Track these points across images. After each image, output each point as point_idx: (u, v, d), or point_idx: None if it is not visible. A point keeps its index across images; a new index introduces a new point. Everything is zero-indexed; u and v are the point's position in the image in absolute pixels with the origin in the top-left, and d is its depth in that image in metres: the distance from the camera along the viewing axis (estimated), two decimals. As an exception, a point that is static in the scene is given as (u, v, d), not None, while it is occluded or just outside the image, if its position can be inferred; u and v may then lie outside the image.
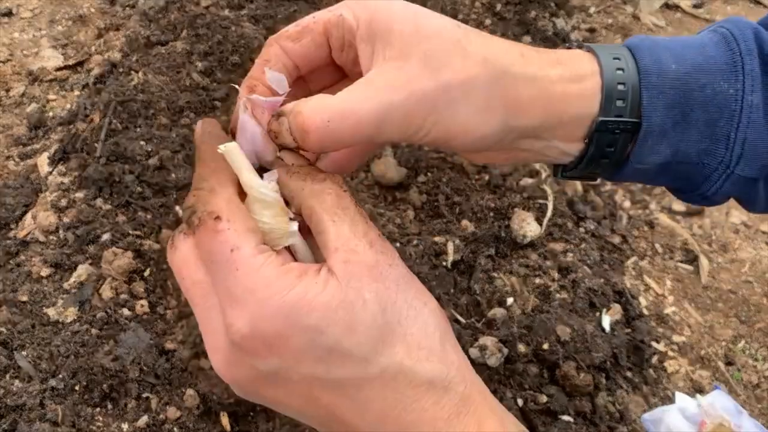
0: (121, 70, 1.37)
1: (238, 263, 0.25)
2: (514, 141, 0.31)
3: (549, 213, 1.13)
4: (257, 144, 0.30)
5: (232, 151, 0.29)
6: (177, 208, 1.10)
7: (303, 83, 0.33)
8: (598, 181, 0.98)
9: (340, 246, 0.25)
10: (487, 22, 1.66)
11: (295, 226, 0.27)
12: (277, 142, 0.30)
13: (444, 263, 1.01)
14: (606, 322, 0.98)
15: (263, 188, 0.28)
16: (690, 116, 0.30)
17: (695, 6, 2.00)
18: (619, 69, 0.30)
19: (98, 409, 0.82)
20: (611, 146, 0.31)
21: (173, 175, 1.13)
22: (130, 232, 1.06)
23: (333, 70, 0.32)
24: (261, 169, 0.30)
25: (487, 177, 1.19)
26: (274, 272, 0.25)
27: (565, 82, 0.29)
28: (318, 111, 0.27)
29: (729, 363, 1.03)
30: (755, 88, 0.30)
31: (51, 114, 1.36)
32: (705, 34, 0.34)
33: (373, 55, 0.28)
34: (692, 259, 1.19)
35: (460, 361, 0.28)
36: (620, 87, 0.29)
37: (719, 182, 0.32)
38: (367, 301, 0.25)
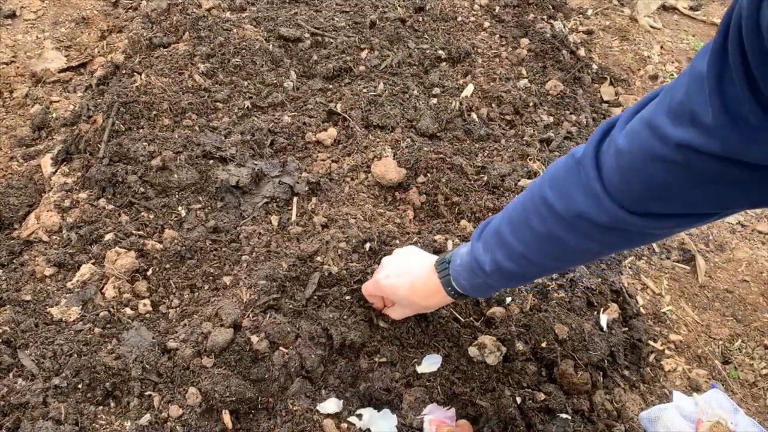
0: (123, 71, 1.38)
1: None
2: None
3: (547, 213, 1.14)
4: None
5: None
6: (179, 208, 1.11)
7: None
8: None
9: None
10: (486, 24, 1.67)
11: None
12: None
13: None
14: (604, 321, 0.99)
15: None
16: (478, 289, 0.80)
17: (692, 8, 2.01)
18: (448, 287, 0.82)
19: (101, 407, 0.83)
20: (461, 298, 0.84)
21: (176, 176, 1.14)
22: (133, 232, 1.07)
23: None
24: None
25: (485, 178, 1.20)
26: None
27: (439, 294, 0.84)
28: (391, 314, 0.98)
29: (726, 362, 1.04)
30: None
31: (54, 115, 1.37)
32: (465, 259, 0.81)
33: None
34: (689, 259, 1.20)
35: None
36: (449, 289, 0.82)
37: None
38: None
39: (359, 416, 0.85)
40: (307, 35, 1.52)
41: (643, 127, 0.51)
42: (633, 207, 0.55)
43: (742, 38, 0.39)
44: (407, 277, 0.83)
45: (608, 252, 0.67)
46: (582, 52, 1.67)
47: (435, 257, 0.84)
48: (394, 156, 1.22)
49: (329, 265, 0.99)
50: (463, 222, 1.12)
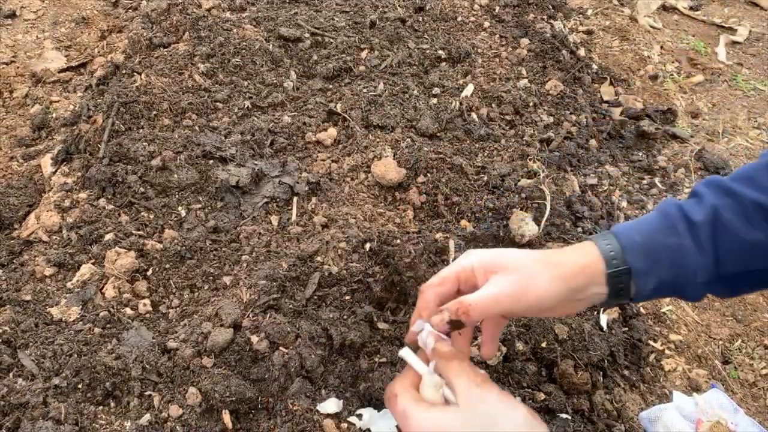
0: (123, 71, 1.38)
1: (408, 415, 0.49)
2: (573, 295, 0.54)
3: (547, 213, 1.14)
4: (428, 346, 0.54)
5: (406, 353, 0.53)
6: (179, 208, 1.11)
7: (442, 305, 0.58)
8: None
9: (463, 393, 0.49)
10: (486, 24, 1.67)
11: (445, 390, 0.51)
12: (445, 328, 0.54)
13: (444, 261, 1.02)
14: (604, 320, 0.99)
15: (428, 373, 0.52)
16: (659, 259, 0.54)
17: (692, 8, 2.01)
18: (607, 244, 0.55)
19: (101, 407, 0.83)
20: (621, 284, 0.54)
21: (176, 176, 1.14)
22: (133, 232, 1.07)
23: (456, 293, 0.57)
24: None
25: (485, 178, 1.20)
26: (424, 408, 0.49)
27: (585, 259, 0.55)
28: (472, 298, 0.54)
29: (726, 362, 1.04)
30: (685, 236, 0.53)
31: (54, 115, 1.37)
32: (652, 213, 0.58)
33: (486, 276, 0.55)
34: (689, 259, 1.20)
35: None
36: (611, 253, 0.54)
37: (695, 290, 0.54)
38: (476, 415, 0.48)
39: (359, 416, 0.85)
40: (307, 35, 1.52)
41: None
42: None
43: None
44: (533, 251, 0.57)
45: None
46: (582, 52, 1.67)
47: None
48: (394, 156, 1.22)
49: (329, 265, 0.99)
50: (463, 222, 1.12)
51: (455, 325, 0.52)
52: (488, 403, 0.48)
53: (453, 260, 1.03)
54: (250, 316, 0.92)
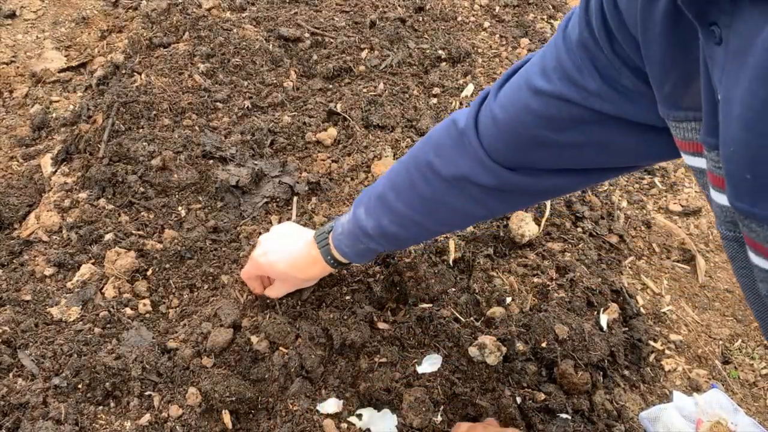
0: (123, 71, 1.38)
1: None
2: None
3: (547, 213, 1.14)
4: None
5: None
6: (179, 208, 1.11)
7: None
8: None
9: None
10: (486, 24, 1.67)
11: None
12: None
13: (444, 261, 1.02)
14: (604, 320, 0.99)
15: None
16: (356, 254, 0.83)
17: (693, 8, 2.00)
18: (330, 258, 0.86)
19: (101, 407, 0.83)
20: (338, 268, 0.92)
21: (176, 176, 1.14)
22: (133, 232, 1.07)
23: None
24: None
25: (486, 177, 1.20)
26: None
27: (318, 264, 0.89)
28: (271, 294, 0.94)
29: (726, 362, 1.04)
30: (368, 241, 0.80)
31: (54, 115, 1.37)
32: (349, 226, 0.83)
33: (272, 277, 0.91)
34: (689, 259, 1.20)
35: None
36: (331, 261, 0.87)
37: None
38: None
39: (359, 416, 0.85)
40: (307, 35, 1.52)
41: (517, 89, 0.57)
42: (515, 165, 0.62)
43: (604, 12, 0.46)
44: (285, 252, 0.85)
45: (497, 214, 0.75)
46: (582, 52, 1.67)
47: (313, 231, 0.87)
48: (394, 156, 1.22)
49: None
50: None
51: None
52: None
53: (452, 260, 1.04)
54: (250, 316, 0.92)
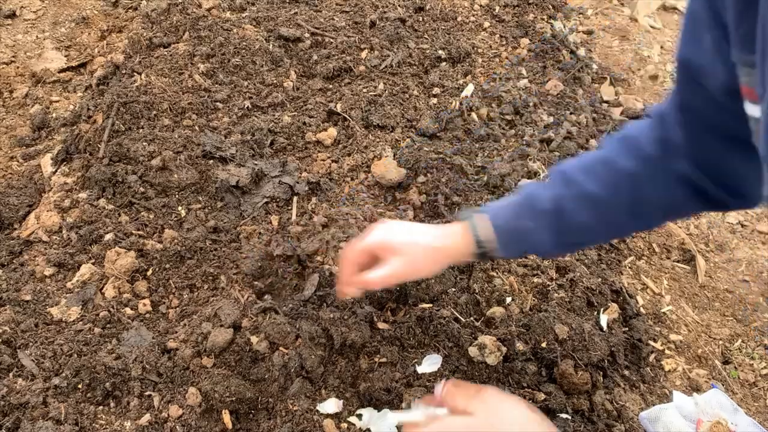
0: (123, 71, 1.38)
1: None
2: (446, 266, 0.73)
3: (547, 213, 1.14)
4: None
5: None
6: (179, 208, 1.11)
7: (360, 267, 0.73)
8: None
9: (462, 408, 0.59)
10: (486, 24, 1.67)
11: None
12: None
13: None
14: (604, 320, 0.99)
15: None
16: (515, 238, 0.68)
17: (693, 8, 2.01)
18: (474, 230, 0.69)
19: (101, 407, 0.83)
20: (486, 255, 0.70)
21: (176, 176, 1.14)
22: (133, 232, 1.07)
23: (372, 258, 0.72)
24: None
25: (485, 178, 1.20)
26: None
27: (458, 243, 0.69)
28: (372, 277, 0.70)
29: (726, 362, 1.04)
30: (536, 220, 0.66)
31: (54, 115, 1.37)
32: (516, 198, 0.70)
33: (386, 256, 0.69)
34: (689, 259, 1.20)
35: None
36: (479, 239, 0.68)
37: (541, 254, 0.82)
38: (479, 418, 0.56)
39: (359, 416, 0.85)
40: (307, 35, 1.52)
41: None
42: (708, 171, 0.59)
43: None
44: (422, 228, 0.72)
45: (680, 216, 0.71)
46: (582, 52, 1.67)
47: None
48: (394, 156, 1.22)
49: (329, 265, 0.99)
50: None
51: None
52: (489, 405, 0.56)
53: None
54: (250, 316, 0.92)
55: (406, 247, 0.68)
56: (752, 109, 0.45)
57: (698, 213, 0.74)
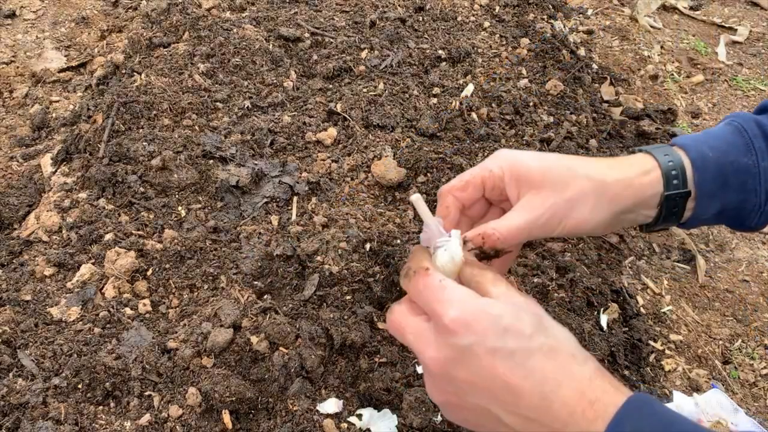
0: (123, 71, 1.38)
1: (446, 286, 0.40)
2: (617, 218, 0.48)
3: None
4: (456, 256, 0.46)
5: (417, 201, 0.46)
6: (179, 208, 1.11)
7: (465, 211, 0.50)
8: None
9: (503, 295, 0.41)
10: (486, 24, 1.67)
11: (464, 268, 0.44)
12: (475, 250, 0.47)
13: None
14: (604, 320, 0.99)
15: (444, 238, 0.45)
16: (728, 182, 0.47)
17: (692, 8, 2.01)
18: (670, 161, 0.47)
19: (101, 407, 0.83)
20: (675, 208, 0.48)
21: (176, 176, 1.14)
22: (133, 232, 1.07)
23: (484, 203, 0.50)
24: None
25: (486, 177, 1.20)
26: (468, 292, 0.40)
27: (640, 176, 0.47)
28: (500, 228, 0.45)
29: (726, 362, 1.04)
30: (764, 157, 0.47)
31: (54, 115, 1.37)
32: (722, 127, 0.52)
33: (519, 191, 0.46)
34: (689, 259, 1.20)
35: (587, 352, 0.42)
36: (673, 172, 0.47)
37: (757, 218, 0.50)
38: (523, 308, 0.40)
39: (359, 416, 0.85)
40: (307, 35, 1.52)
41: None
42: None
43: None
44: (572, 156, 0.49)
45: None
46: (582, 52, 1.67)
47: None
48: (394, 156, 1.22)
49: (329, 265, 0.99)
50: None
51: (483, 256, 0.44)
52: (536, 308, 0.40)
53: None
54: (250, 316, 0.92)
55: (553, 177, 0.44)
56: None
57: None
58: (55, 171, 1.20)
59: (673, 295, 1.13)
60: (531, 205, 0.44)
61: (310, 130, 1.30)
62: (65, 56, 1.54)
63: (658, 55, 1.75)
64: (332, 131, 1.30)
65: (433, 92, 1.41)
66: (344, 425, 0.83)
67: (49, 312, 0.94)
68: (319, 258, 1.00)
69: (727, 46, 1.83)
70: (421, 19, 1.63)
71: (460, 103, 1.37)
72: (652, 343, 1.03)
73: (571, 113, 1.43)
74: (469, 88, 1.42)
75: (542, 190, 0.44)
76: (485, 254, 0.44)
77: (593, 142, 1.41)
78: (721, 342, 1.07)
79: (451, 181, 0.49)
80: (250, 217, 1.12)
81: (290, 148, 1.27)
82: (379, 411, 0.85)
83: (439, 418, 0.84)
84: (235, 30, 1.48)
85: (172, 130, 1.23)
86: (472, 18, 1.68)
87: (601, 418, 0.35)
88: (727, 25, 1.91)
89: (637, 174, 0.46)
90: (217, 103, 1.33)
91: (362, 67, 1.44)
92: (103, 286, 0.99)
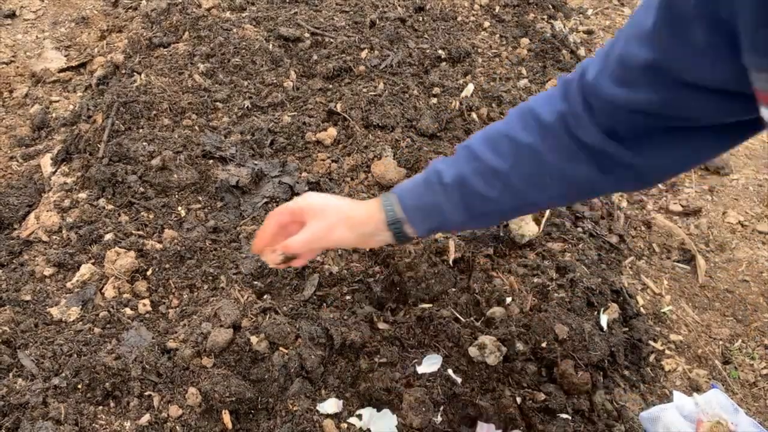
0: (123, 71, 1.38)
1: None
2: (367, 237, 0.74)
3: (547, 213, 1.14)
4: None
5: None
6: (179, 208, 1.11)
7: (284, 229, 0.75)
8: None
9: None
10: (486, 24, 1.67)
11: None
12: (280, 260, 0.76)
13: (445, 261, 1.02)
14: (604, 320, 0.99)
15: None
16: (425, 215, 0.70)
17: (693, 8, 2.01)
18: (389, 205, 0.72)
19: (101, 407, 0.83)
20: (399, 232, 0.72)
21: (175, 176, 1.14)
22: (133, 232, 1.07)
23: (298, 224, 0.74)
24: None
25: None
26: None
27: (374, 212, 0.72)
28: (292, 241, 0.72)
29: (726, 362, 1.04)
30: (447, 198, 0.69)
31: (54, 115, 1.37)
32: (422, 175, 0.72)
33: (307, 219, 0.73)
34: (689, 259, 1.20)
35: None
36: (390, 212, 0.71)
37: (459, 228, 0.87)
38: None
39: (359, 416, 0.84)
40: (307, 35, 1.52)
41: (608, 85, 0.56)
42: (621, 136, 0.58)
43: None
44: (341, 198, 0.76)
45: (586, 191, 0.67)
46: (582, 52, 1.67)
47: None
48: (394, 156, 1.22)
49: (329, 265, 0.99)
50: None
51: (286, 259, 0.74)
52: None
53: (452, 260, 1.04)
54: (250, 316, 0.92)
55: (324, 211, 0.72)
56: None
57: (600, 191, 0.72)
58: (55, 171, 1.20)
59: (673, 295, 1.13)
60: (310, 228, 0.72)
61: (310, 130, 1.30)
62: (65, 56, 1.54)
63: (658, 55, 1.75)
64: (332, 131, 1.30)
65: (433, 92, 1.41)
66: (344, 425, 0.83)
67: (49, 312, 0.94)
68: (318, 258, 1.00)
69: (727, 46, 1.83)
70: (421, 19, 1.63)
71: (460, 103, 1.37)
72: (652, 343, 1.03)
73: (571, 113, 1.43)
74: (469, 88, 1.42)
75: (317, 220, 0.72)
76: (287, 258, 0.74)
77: (593, 142, 1.41)
78: (721, 342, 1.07)
79: (276, 209, 0.75)
80: (250, 217, 1.12)
81: (290, 148, 1.27)
82: (379, 411, 0.85)
83: (439, 418, 0.84)
84: (235, 30, 1.48)
85: (172, 130, 1.23)
86: (472, 18, 1.68)
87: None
88: (727, 25, 1.91)
89: (373, 211, 0.72)
90: (217, 103, 1.32)
91: (362, 67, 1.44)
92: (103, 286, 0.99)
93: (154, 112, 1.26)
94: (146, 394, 0.84)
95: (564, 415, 0.87)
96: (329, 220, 0.71)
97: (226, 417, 0.82)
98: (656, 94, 0.53)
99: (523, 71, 1.52)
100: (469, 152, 0.66)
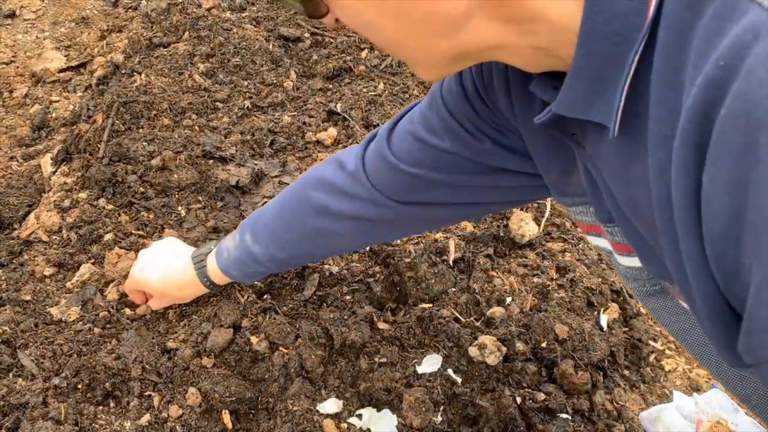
0: (123, 71, 1.38)
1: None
2: (200, 287, 0.93)
3: (547, 213, 1.14)
4: None
5: None
6: (179, 208, 1.11)
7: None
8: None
9: None
10: (487, 24, 1.67)
11: None
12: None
13: (445, 261, 1.02)
14: (604, 320, 0.99)
15: None
16: (254, 275, 0.91)
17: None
18: (206, 280, 0.92)
19: (101, 407, 0.83)
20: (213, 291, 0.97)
21: (175, 176, 1.14)
22: (133, 232, 1.07)
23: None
24: None
25: (486, 177, 1.20)
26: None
27: (193, 292, 0.98)
28: (151, 304, 0.96)
29: (726, 362, 1.04)
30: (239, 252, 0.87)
31: (54, 115, 1.37)
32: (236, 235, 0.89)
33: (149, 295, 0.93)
34: (689, 259, 1.20)
35: None
36: (208, 283, 0.95)
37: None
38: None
39: (359, 416, 0.85)
40: (307, 35, 1.52)
41: (409, 142, 0.64)
42: (410, 201, 0.68)
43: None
44: (161, 269, 0.88)
45: (388, 240, 0.87)
46: (582, 51, 1.67)
47: (192, 249, 0.90)
48: (394, 156, 1.22)
49: (329, 265, 0.99)
50: (463, 222, 1.12)
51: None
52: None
53: (452, 260, 1.04)
54: (250, 316, 0.92)
55: (157, 291, 0.89)
56: (628, 261, 0.49)
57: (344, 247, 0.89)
58: (55, 171, 1.20)
59: (673, 295, 1.13)
60: (150, 302, 0.93)
61: (310, 130, 1.30)
62: (65, 56, 1.54)
63: (658, 55, 1.75)
64: (332, 131, 1.30)
65: (433, 92, 1.41)
66: (344, 425, 0.83)
67: (49, 312, 0.94)
68: (319, 258, 1.00)
69: (727, 46, 1.83)
70: (421, 19, 1.63)
71: (460, 103, 1.37)
72: (652, 342, 1.03)
73: (571, 113, 1.43)
74: (469, 88, 1.42)
75: (154, 298, 0.92)
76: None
77: (593, 142, 1.41)
78: (721, 342, 1.07)
79: (126, 285, 0.94)
80: (250, 217, 1.12)
81: (290, 148, 1.27)
82: (379, 411, 0.85)
83: (439, 418, 0.84)
84: (235, 30, 1.48)
85: (172, 130, 1.23)
86: (472, 18, 1.68)
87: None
88: (727, 25, 1.91)
89: (195, 285, 0.89)
90: (217, 103, 1.33)
91: (362, 67, 1.44)
92: (102, 286, 0.99)
93: (154, 112, 1.26)
94: (146, 394, 0.84)
95: (564, 415, 0.87)
96: (165, 299, 0.91)
97: (226, 417, 0.82)
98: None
99: (523, 71, 1.52)
100: (272, 234, 0.80)
